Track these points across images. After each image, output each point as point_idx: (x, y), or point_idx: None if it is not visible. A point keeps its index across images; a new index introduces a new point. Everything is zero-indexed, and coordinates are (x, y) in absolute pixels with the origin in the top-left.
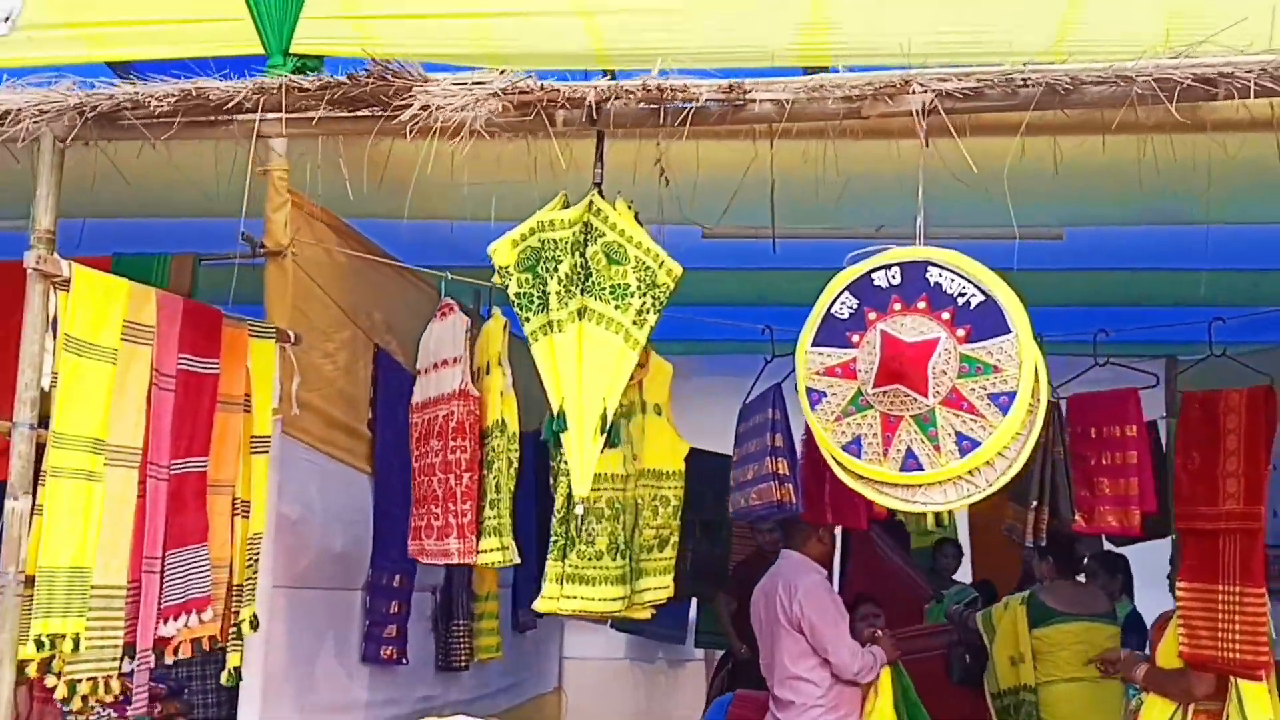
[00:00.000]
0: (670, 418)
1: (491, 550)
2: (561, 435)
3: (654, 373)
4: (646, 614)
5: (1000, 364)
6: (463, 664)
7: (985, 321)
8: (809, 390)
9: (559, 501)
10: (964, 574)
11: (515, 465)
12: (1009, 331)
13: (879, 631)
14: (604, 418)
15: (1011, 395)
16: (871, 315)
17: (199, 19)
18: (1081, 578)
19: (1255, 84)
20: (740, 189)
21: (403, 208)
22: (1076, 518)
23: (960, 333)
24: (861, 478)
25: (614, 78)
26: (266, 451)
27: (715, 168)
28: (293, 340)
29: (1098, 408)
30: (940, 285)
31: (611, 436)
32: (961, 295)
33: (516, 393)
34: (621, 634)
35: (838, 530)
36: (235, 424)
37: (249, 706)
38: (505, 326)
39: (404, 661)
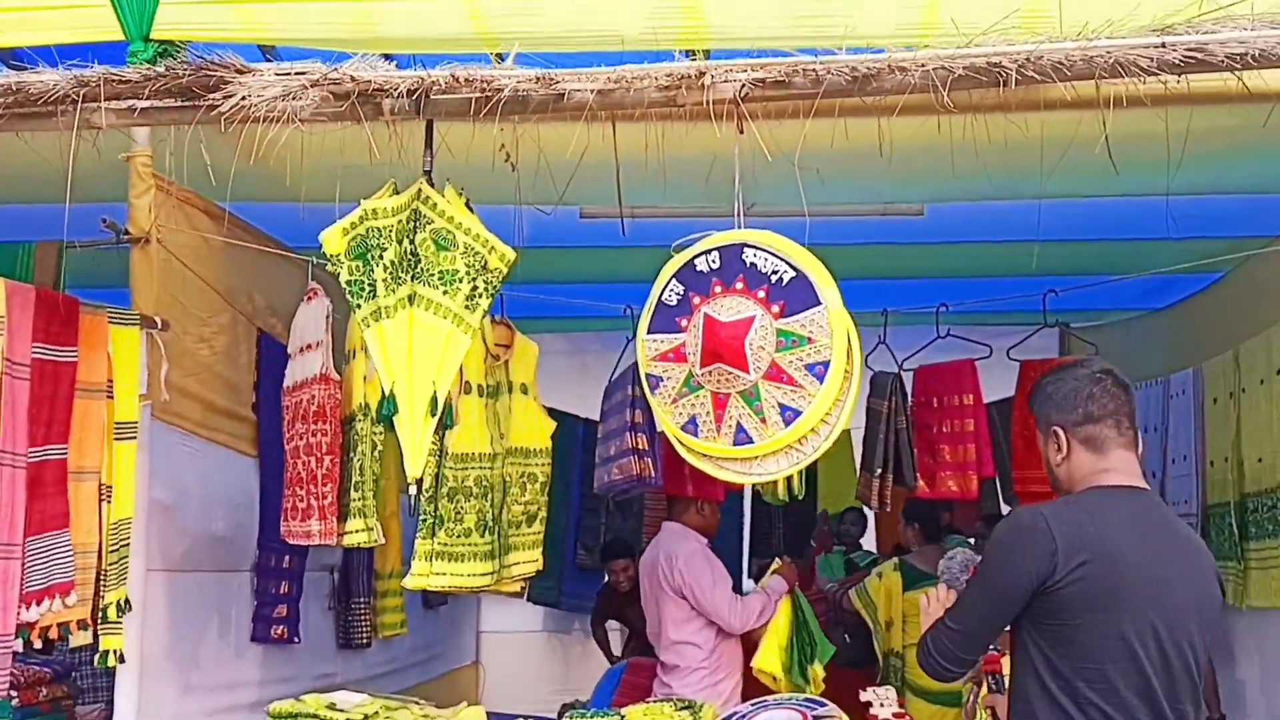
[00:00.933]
0: (537, 396)
1: (356, 531)
2: (394, 418)
3: (519, 353)
4: (516, 587)
5: (813, 335)
6: (365, 641)
7: (798, 296)
8: (648, 375)
9: (426, 482)
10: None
11: (380, 449)
12: (819, 304)
13: (777, 559)
14: (434, 401)
15: (826, 364)
16: (696, 300)
17: (64, 6)
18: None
19: (1018, 73)
20: (620, 169)
21: (277, 192)
22: (919, 483)
23: (775, 309)
24: (701, 454)
25: (501, 60)
26: (130, 438)
27: (592, 151)
28: (160, 326)
29: (939, 379)
30: (755, 265)
31: (445, 418)
32: (775, 273)
33: None
34: (539, 607)
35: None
36: (97, 411)
37: (126, 687)
38: None
39: (296, 640)
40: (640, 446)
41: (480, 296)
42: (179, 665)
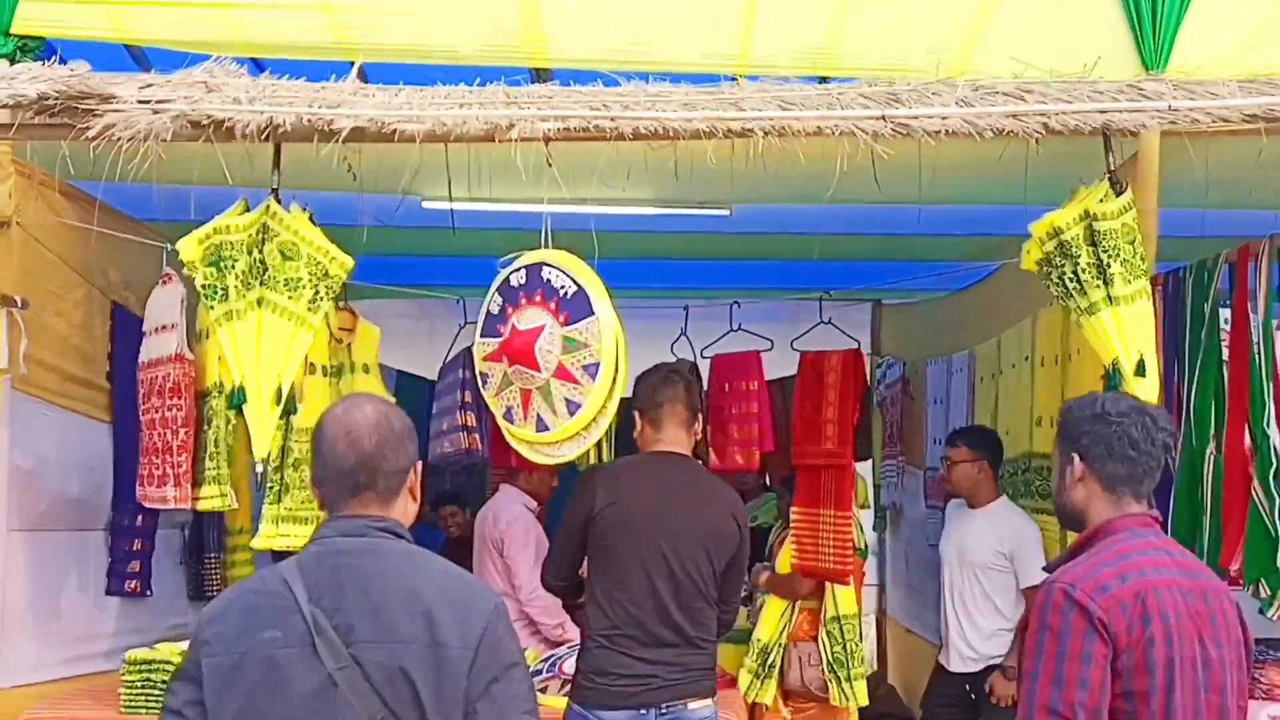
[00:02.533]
0: (379, 375)
1: (211, 498)
2: (243, 407)
3: (362, 336)
4: None
5: (588, 340)
6: (217, 593)
7: (579, 308)
8: (480, 374)
9: (274, 454)
10: None
11: (233, 424)
12: (593, 314)
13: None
14: (279, 392)
15: (598, 365)
16: (509, 310)
17: None
18: None
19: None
20: (451, 174)
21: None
22: (711, 456)
23: (561, 318)
24: (518, 439)
25: (361, 71)
26: None
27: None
28: (19, 305)
29: (732, 367)
30: (550, 280)
31: (288, 405)
32: (563, 288)
33: None
34: None
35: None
36: None
37: None
38: None
39: (149, 593)
40: (469, 424)
41: (321, 300)
42: (39, 618)
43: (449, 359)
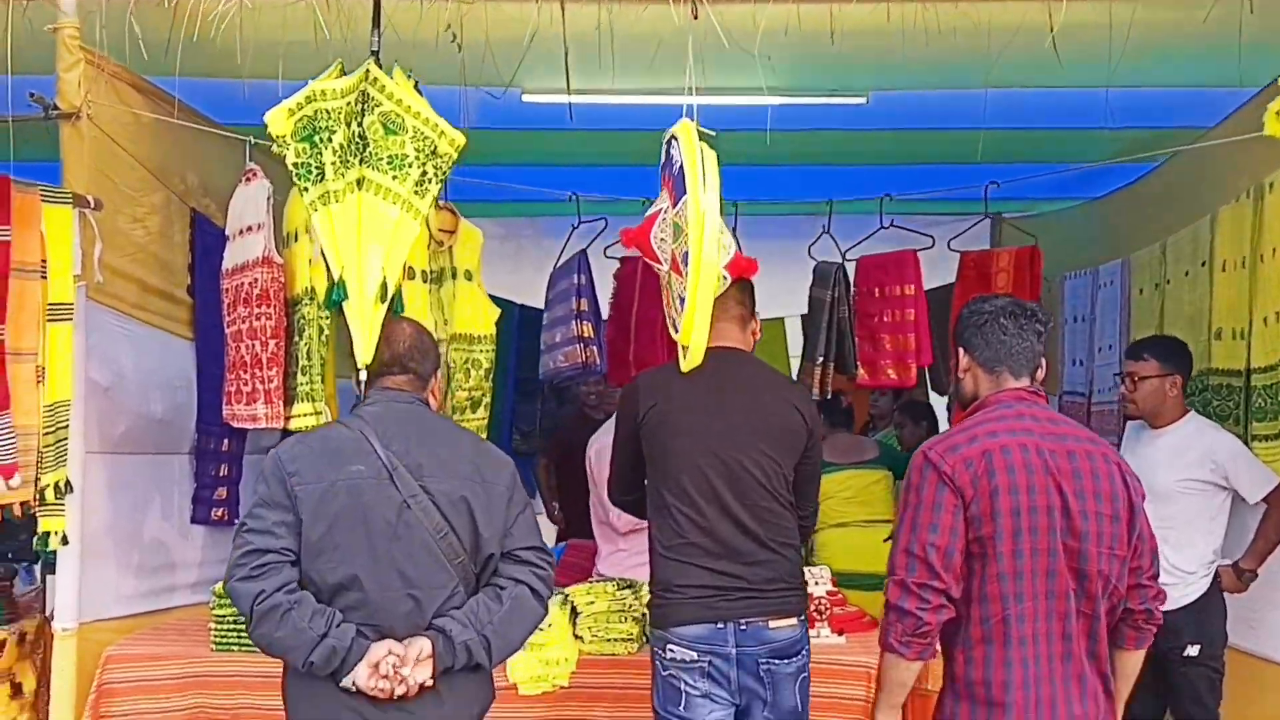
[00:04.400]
0: (481, 283)
1: (304, 415)
2: (343, 304)
3: (464, 239)
4: None
5: (684, 225)
6: None
7: (680, 187)
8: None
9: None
10: None
11: (327, 333)
12: (684, 194)
13: None
14: (384, 287)
15: (686, 254)
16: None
17: None
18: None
19: None
20: (568, 51)
21: (215, 67)
22: (860, 372)
23: (673, 200)
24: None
25: None
26: (67, 319)
27: (539, 32)
28: (93, 205)
29: (882, 269)
30: (672, 156)
31: (394, 304)
32: (676, 163)
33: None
34: None
35: None
36: (32, 292)
37: (68, 568)
38: None
39: (236, 522)
40: (585, 334)
41: (429, 182)
42: (119, 546)
43: (560, 265)
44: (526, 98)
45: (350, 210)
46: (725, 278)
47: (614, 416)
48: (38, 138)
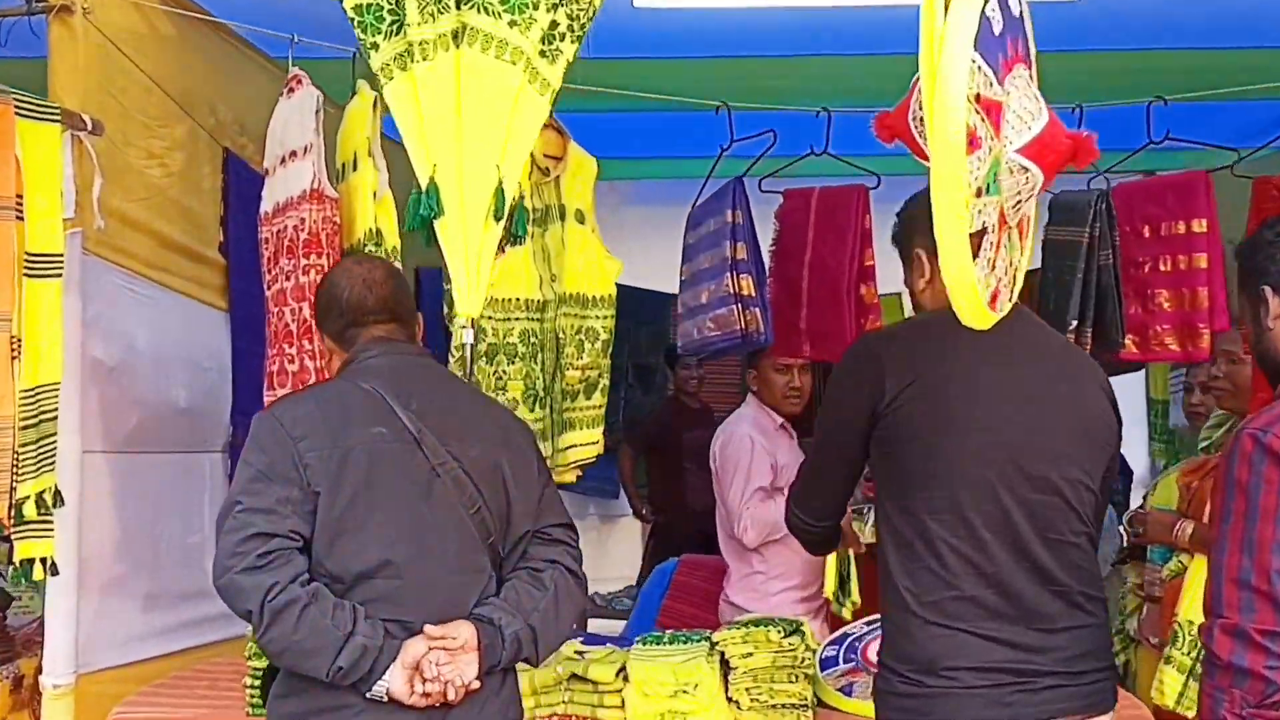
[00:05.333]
0: (595, 228)
1: None
2: (435, 222)
3: (574, 168)
4: (571, 477)
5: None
6: None
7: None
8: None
9: (456, 335)
10: None
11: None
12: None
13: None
14: (499, 194)
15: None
16: (1002, 58)
17: None
18: None
19: None
20: None
21: None
22: (1126, 341)
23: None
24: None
25: None
26: (53, 275)
27: None
28: (90, 128)
29: (1156, 198)
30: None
31: (515, 226)
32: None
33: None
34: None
35: None
36: (4, 236)
37: (60, 605)
38: (377, 105)
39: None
40: (744, 291)
41: (563, 39)
42: (130, 572)
43: (702, 199)
44: (640, 2)
45: (445, 74)
46: (1024, 170)
47: (747, 405)
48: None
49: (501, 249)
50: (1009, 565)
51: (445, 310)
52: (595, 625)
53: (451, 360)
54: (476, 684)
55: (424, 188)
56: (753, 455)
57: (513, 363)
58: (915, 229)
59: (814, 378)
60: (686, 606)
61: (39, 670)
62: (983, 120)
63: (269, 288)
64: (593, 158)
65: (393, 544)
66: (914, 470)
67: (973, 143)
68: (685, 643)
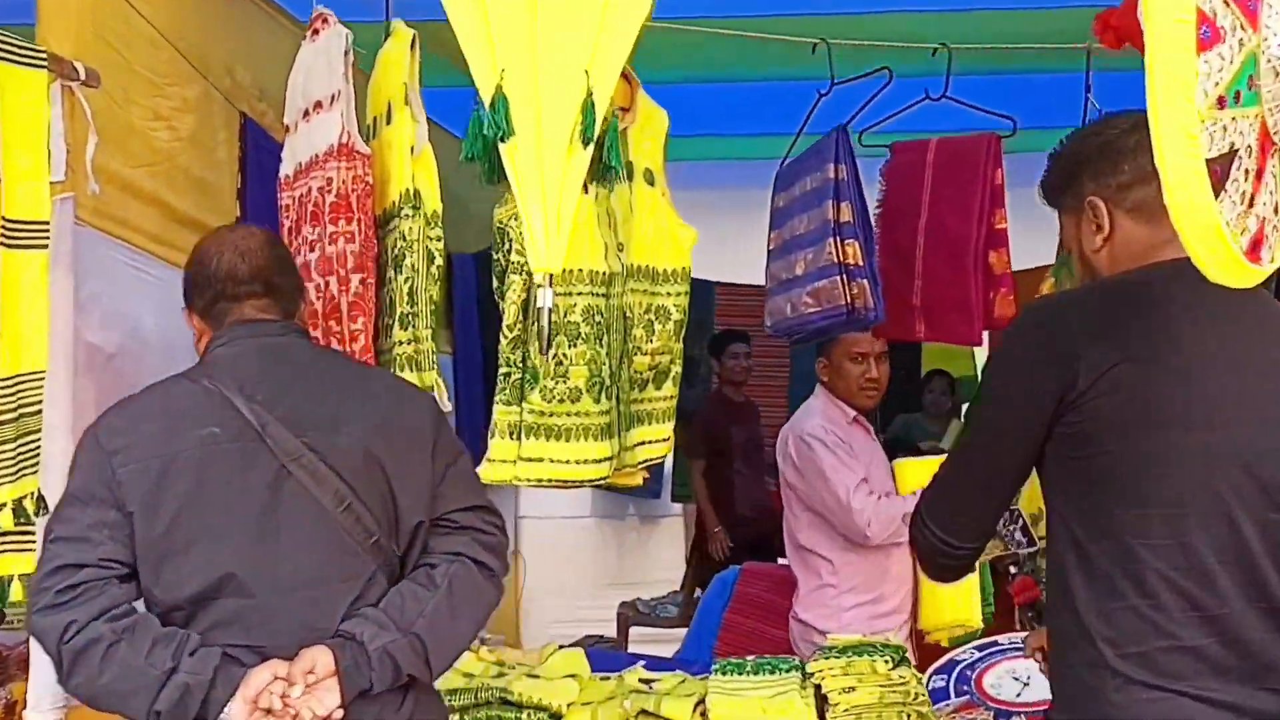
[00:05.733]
0: (667, 191)
1: None
2: (502, 145)
3: (644, 121)
4: (639, 480)
5: None
6: None
7: None
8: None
9: (510, 312)
10: None
11: (439, 262)
12: None
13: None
14: (588, 110)
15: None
16: None
17: None
18: None
19: None
20: None
21: None
22: None
23: None
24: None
25: None
26: (38, 246)
27: None
28: (83, 78)
29: None
30: None
31: (608, 155)
32: None
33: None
34: (586, 488)
35: None
36: None
37: None
38: (415, 43)
39: None
40: (851, 260)
41: None
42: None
43: (792, 158)
44: None
45: None
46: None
47: (815, 397)
48: None
49: (585, 187)
50: (1241, 606)
51: (495, 285)
52: (638, 634)
53: (504, 339)
54: (339, 714)
55: (488, 102)
56: (838, 450)
57: (575, 345)
58: (1084, 170)
59: (891, 367)
60: (749, 620)
61: None
62: (1227, 5)
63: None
64: (664, 110)
65: (233, 559)
66: (1116, 479)
67: (1210, 35)
68: (773, 672)
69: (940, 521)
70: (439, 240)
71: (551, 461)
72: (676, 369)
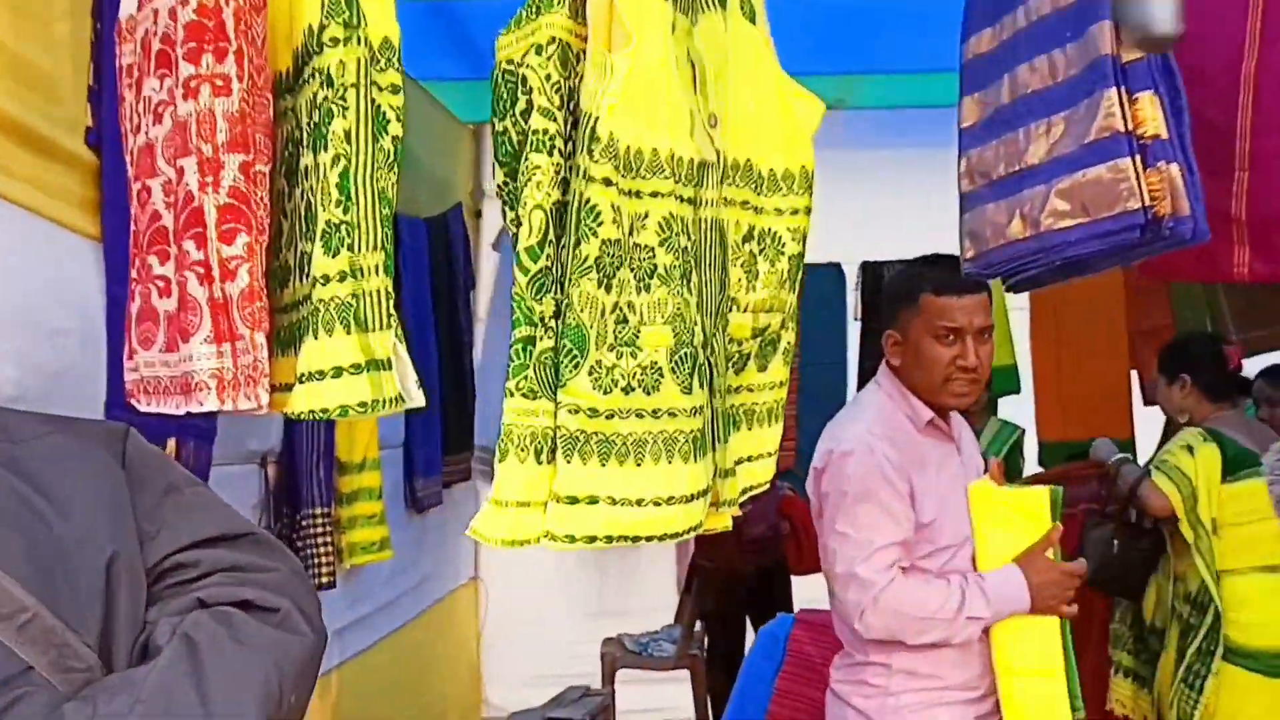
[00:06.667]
0: (770, 41)
1: (340, 356)
2: None
3: None
4: (726, 521)
5: None
6: (325, 580)
7: None
8: None
9: (532, 222)
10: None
11: (397, 132)
12: None
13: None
14: None
15: None
16: None
17: None
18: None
19: None
20: None
21: None
22: None
23: None
24: None
25: None
26: None
27: None
28: None
29: None
30: None
31: None
32: None
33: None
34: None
35: None
36: None
37: None
38: None
39: None
40: (1147, 128)
41: None
42: None
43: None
44: None
45: None
46: None
47: (875, 388)
48: None
49: None
50: None
51: (500, 182)
52: (625, 676)
53: (522, 277)
54: None
55: None
56: (884, 486)
57: (646, 288)
58: None
59: (993, 348)
60: (809, 689)
61: None
62: None
63: (128, 150)
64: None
65: None
66: None
67: None
68: None
69: None
70: (396, 92)
71: (613, 503)
72: (788, 338)
